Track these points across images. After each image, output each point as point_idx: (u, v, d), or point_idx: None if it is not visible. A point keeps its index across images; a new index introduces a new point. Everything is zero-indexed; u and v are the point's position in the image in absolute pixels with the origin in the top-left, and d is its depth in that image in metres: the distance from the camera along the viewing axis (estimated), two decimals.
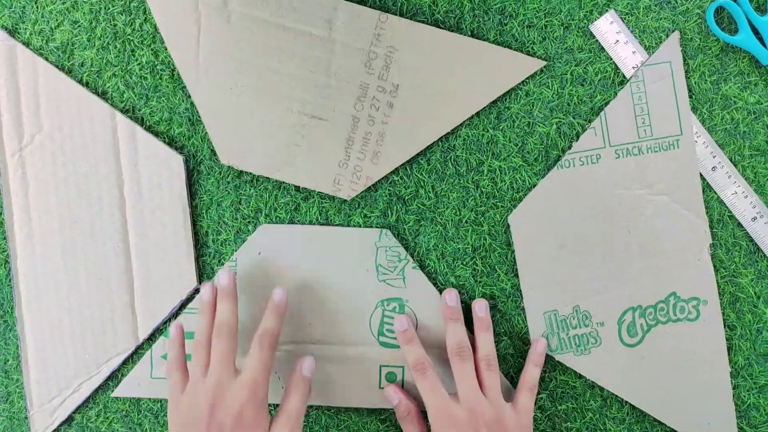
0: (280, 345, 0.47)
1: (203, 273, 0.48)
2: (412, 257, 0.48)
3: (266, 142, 0.46)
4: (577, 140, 0.46)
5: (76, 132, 0.46)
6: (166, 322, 0.49)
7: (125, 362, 0.49)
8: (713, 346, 0.46)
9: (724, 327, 0.47)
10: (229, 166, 0.47)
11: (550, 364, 0.48)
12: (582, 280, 0.46)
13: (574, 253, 0.46)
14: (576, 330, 0.46)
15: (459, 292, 0.48)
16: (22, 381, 0.49)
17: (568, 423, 0.48)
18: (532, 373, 0.46)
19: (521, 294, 0.47)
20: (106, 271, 0.48)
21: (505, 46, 0.46)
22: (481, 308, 0.46)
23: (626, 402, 0.47)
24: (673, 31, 0.45)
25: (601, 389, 0.48)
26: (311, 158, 0.46)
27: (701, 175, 0.46)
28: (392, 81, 0.45)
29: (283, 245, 0.47)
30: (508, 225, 0.47)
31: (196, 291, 0.48)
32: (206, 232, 0.48)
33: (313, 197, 0.48)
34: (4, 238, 0.48)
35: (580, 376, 0.47)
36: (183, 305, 0.48)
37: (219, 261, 0.48)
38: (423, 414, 0.46)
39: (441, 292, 0.47)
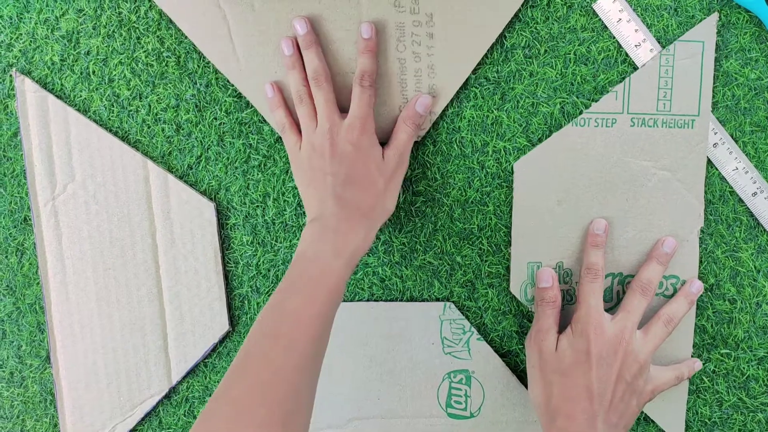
0: (348, 422, 0.49)
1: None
2: (419, 239, 0.49)
3: None
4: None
5: (109, 180, 0.47)
6: (199, 365, 0.50)
7: (159, 404, 0.50)
8: (682, 326, 0.47)
9: (724, 301, 0.48)
10: (236, 152, 0.48)
11: None
12: (571, 239, 0.47)
13: (570, 210, 0.47)
14: None
15: (464, 273, 0.49)
16: (36, 366, 0.50)
17: None
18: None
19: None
20: (139, 317, 0.49)
21: None
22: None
23: None
24: (675, 9, 0.45)
25: None
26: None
27: None
28: (425, 12, 0.45)
29: (349, 322, 0.49)
30: (512, 204, 0.48)
31: (227, 334, 0.49)
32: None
33: None
34: (39, 286, 0.49)
35: None
36: (214, 349, 0.50)
37: (228, 246, 0.49)
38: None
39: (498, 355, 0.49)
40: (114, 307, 0.48)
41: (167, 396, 0.50)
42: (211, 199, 0.48)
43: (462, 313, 0.49)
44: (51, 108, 0.47)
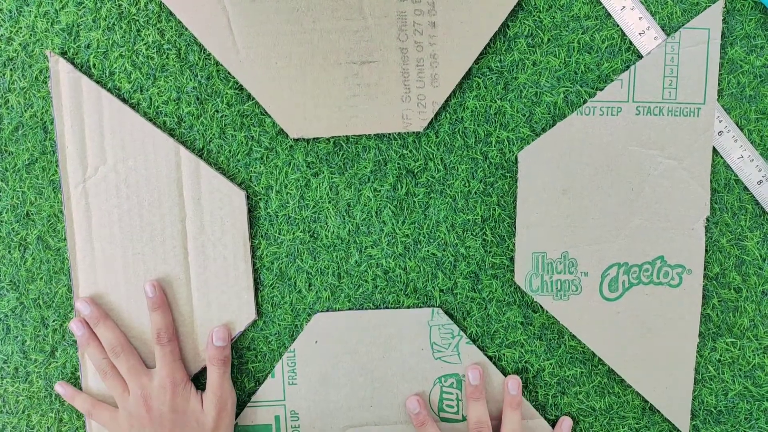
0: (342, 430, 0.49)
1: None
2: (422, 230, 0.48)
3: (326, 103, 0.46)
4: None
5: (140, 165, 0.47)
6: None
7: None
8: (688, 316, 0.47)
9: (730, 290, 0.48)
10: (238, 144, 0.48)
11: (557, 329, 0.49)
12: (576, 228, 0.47)
13: (575, 200, 0.47)
14: (560, 275, 0.47)
15: (468, 264, 0.49)
16: (40, 361, 0.50)
17: (577, 387, 0.49)
18: None
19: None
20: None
21: None
22: (513, 386, 0.48)
23: None
24: None
25: None
26: (374, 103, 0.46)
27: None
28: (426, 0, 0.45)
29: (338, 332, 0.49)
30: (517, 195, 0.47)
31: (254, 323, 0.49)
32: None
33: (323, 173, 0.48)
34: (42, 281, 0.49)
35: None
36: (241, 336, 0.49)
37: None
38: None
39: (491, 359, 0.49)
40: (142, 291, 0.48)
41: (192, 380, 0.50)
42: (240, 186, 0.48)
43: (466, 304, 0.49)
44: (84, 89, 0.46)
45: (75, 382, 0.50)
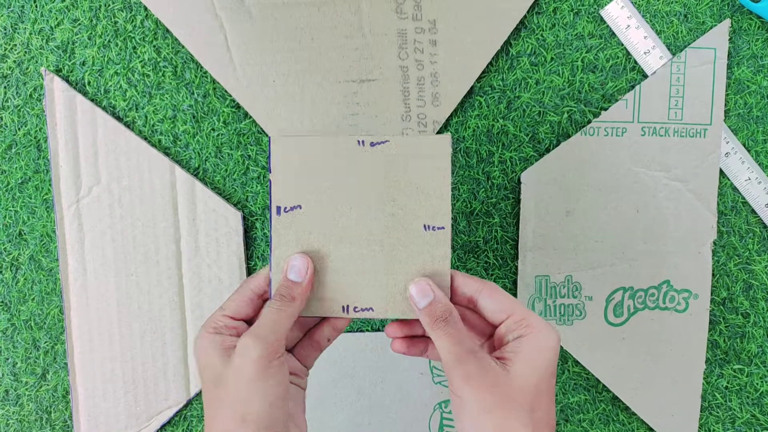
0: None
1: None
2: None
3: (325, 121, 0.46)
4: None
5: (135, 185, 0.46)
6: None
7: (176, 415, 0.49)
8: (694, 341, 0.46)
9: (737, 315, 0.47)
10: (234, 163, 0.47)
11: (560, 355, 0.48)
12: (580, 251, 0.46)
13: (579, 222, 0.46)
14: (563, 299, 0.46)
15: None
16: (31, 383, 0.49)
17: (581, 414, 0.48)
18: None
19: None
20: (160, 325, 0.48)
21: None
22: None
23: None
24: (685, 15, 0.44)
25: None
26: (373, 122, 0.46)
27: None
28: (427, 18, 0.44)
29: (336, 355, 0.48)
30: (519, 216, 0.46)
31: None
32: None
33: None
34: (34, 301, 0.48)
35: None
36: None
37: None
38: None
39: None
40: (135, 314, 0.47)
41: (183, 408, 0.49)
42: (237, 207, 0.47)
43: None
44: (79, 108, 0.46)
45: (66, 406, 0.49)
